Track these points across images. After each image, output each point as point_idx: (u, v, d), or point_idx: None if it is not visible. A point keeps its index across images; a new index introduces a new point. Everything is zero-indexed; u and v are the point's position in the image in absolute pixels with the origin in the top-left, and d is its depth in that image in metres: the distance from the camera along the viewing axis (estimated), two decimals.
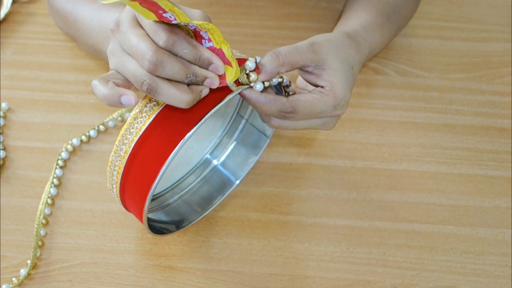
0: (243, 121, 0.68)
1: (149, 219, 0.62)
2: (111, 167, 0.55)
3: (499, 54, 0.81)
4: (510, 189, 0.70)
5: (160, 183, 0.52)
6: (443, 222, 0.68)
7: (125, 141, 0.52)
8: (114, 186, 0.56)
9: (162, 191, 0.67)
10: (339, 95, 0.55)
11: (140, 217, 0.56)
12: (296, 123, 0.56)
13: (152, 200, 0.64)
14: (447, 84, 0.78)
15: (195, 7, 0.84)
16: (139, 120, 0.52)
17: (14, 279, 0.62)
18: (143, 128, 0.51)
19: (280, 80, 0.54)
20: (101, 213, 0.67)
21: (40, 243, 0.64)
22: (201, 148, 0.69)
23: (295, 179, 0.70)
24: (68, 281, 0.63)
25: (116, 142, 0.53)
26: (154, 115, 0.51)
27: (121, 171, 0.54)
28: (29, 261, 0.63)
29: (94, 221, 0.67)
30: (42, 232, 0.65)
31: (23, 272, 0.62)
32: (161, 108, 0.51)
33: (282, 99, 0.53)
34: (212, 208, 0.67)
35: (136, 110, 0.52)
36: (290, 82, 0.56)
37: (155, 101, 0.52)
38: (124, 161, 0.53)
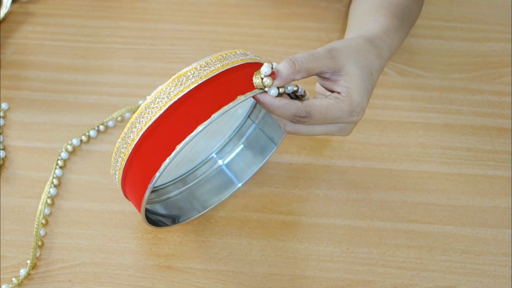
0: (253, 125, 0.69)
1: (146, 210, 0.63)
2: (116, 153, 0.55)
3: (499, 54, 0.81)
4: (510, 189, 0.70)
5: (162, 176, 0.52)
6: (443, 222, 0.68)
7: (134, 129, 0.53)
8: (117, 172, 0.56)
9: (164, 184, 0.67)
10: (355, 101, 0.54)
11: (138, 206, 0.56)
12: (311, 129, 0.56)
13: (153, 191, 0.65)
14: (447, 84, 0.78)
15: (195, 7, 0.84)
16: (150, 110, 0.52)
17: (14, 279, 0.62)
18: (153, 118, 0.52)
19: (295, 88, 0.54)
20: (101, 213, 0.67)
21: (40, 243, 0.64)
22: (208, 146, 0.69)
23: (295, 179, 0.70)
24: (68, 281, 0.63)
25: (125, 130, 0.54)
26: (165, 107, 0.52)
27: (126, 158, 0.54)
28: (29, 261, 0.63)
29: (94, 221, 0.67)
30: (42, 232, 0.65)
31: (22, 272, 0.62)
32: (173, 101, 0.51)
33: (296, 103, 0.53)
34: (211, 207, 0.67)
35: (148, 100, 0.52)
36: (305, 92, 0.56)
37: (168, 93, 0.52)
38: (130, 148, 0.53)
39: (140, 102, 0.75)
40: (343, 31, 0.82)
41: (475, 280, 0.64)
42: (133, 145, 0.53)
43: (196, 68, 0.52)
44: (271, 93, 0.52)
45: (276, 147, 0.68)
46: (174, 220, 0.65)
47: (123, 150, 0.54)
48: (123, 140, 0.54)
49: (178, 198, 0.67)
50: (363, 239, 0.66)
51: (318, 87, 0.60)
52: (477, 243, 0.66)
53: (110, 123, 0.73)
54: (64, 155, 0.70)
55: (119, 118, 0.74)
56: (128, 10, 0.84)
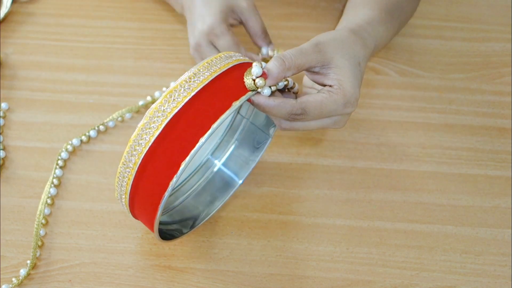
0: (244, 120, 0.68)
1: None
2: (120, 178, 0.54)
3: (499, 54, 0.81)
4: (510, 189, 0.70)
5: None
6: (443, 222, 0.68)
7: (134, 152, 0.52)
8: (123, 196, 0.56)
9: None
10: (348, 92, 0.54)
11: (150, 226, 0.56)
12: (307, 124, 0.56)
13: None
14: (447, 84, 0.78)
15: None
16: (147, 131, 0.51)
17: (14, 279, 0.62)
18: (152, 139, 0.51)
19: (285, 83, 0.54)
20: (101, 213, 0.67)
21: (39, 243, 0.64)
22: (202, 149, 0.69)
23: (295, 179, 0.70)
24: (68, 281, 0.63)
25: (125, 154, 0.53)
26: (162, 126, 0.51)
27: (130, 182, 0.54)
28: (28, 261, 0.63)
29: (94, 221, 0.67)
30: (42, 232, 0.65)
31: (22, 272, 0.62)
32: (169, 118, 0.51)
33: (291, 101, 0.53)
34: (217, 208, 0.67)
35: (144, 121, 0.52)
36: (294, 83, 0.56)
37: (162, 111, 0.51)
38: (133, 172, 0.53)
39: (140, 102, 0.75)
40: None
41: (475, 280, 0.64)
42: (136, 169, 0.52)
43: (185, 81, 0.52)
44: (264, 93, 0.52)
45: (270, 138, 0.67)
46: (185, 226, 0.65)
47: (126, 175, 0.54)
48: (124, 164, 0.53)
49: (183, 206, 0.67)
50: (363, 239, 0.66)
51: (306, 81, 0.60)
52: (477, 243, 0.66)
53: (110, 123, 0.73)
54: (64, 155, 0.70)
55: (119, 118, 0.74)
56: (128, 10, 0.84)
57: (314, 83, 0.57)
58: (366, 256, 0.65)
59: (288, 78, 0.55)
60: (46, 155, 0.71)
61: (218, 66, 0.53)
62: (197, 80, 0.52)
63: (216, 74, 0.52)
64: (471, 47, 0.82)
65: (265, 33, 0.73)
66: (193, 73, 0.52)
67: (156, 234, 0.56)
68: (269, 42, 0.73)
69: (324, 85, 0.56)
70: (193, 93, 0.51)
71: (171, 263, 0.64)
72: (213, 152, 0.69)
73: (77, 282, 0.63)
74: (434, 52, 0.81)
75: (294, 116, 0.54)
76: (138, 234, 0.66)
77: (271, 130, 0.67)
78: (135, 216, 0.58)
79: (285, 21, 0.84)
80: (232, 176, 0.69)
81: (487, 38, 0.83)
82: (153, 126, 0.51)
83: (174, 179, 0.50)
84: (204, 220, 0.66)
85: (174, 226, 0.65)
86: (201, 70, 0.53)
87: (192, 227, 0.65)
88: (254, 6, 0.72)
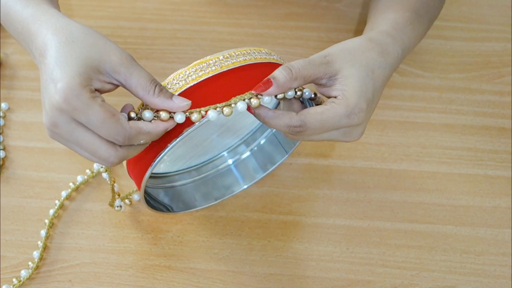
0: (268, 130, 0.68)
1: (149, 195, 0.63)
2: None
3: (499, 54, 0.81)
4: (510, 189, 0.70)
5: (170, 163, 0.52)
6: (443, 222, 0.68)
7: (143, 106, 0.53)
8: None
9: (171, 172, 0.67)
10: (352, 103, 0.52)
11: (138, 186, 0.57)
12: (313, 137, 0.54)
13: (159, 178, 0.65)
14: (447, 84, 0.78)
15: (195, 7, 0.84)
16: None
17: (14, 279, 0.62)
18: None
19: (299, 93, 0.54)
20: (101, 213, 0.67)
21: (41, 244, 0.64)
22: (221, 143, 0.69)
23: (295, 179, 0.70)
24: (68, 281, 0.63)
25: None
26: (181, 90, 0.51)
27: None
28: (30, 263, 0.63)
29: (94, 221, 0.67)
30: (42, 233, 0.65)
31: (24, 273, 0.62)
32: (189, 85, 0.51)
33: (290, 113, 0.52)
34: (211, 203, 0.67)
35: (166, 81, 0.53)
36: (315, 94, 0.55)
37: (186, 77, 0.52)
38: None
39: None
40: (343, 31, 0.82)
41: (475, 280, 0.64)
42: None
43: (218, 58, 0.52)
44: (264, 100, 0.51)
45: (287, 155, 0.68)
46: (167, 209, 0.65)
47: None
48: None
49: (182, 189, 0.67)
50: (363, 239, 0.66)
51: None
52: (477, 243, 0.66)
53: None
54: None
55: None
56: (128, 10, 0.84)
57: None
58: (366, 256, 0.65)
59: (305, 88, 0.54)
60: (46, 155, 0.71)
61: (254, 56, 0.53)
62: (229, 60, 0.52)
63: (248, 62, 0.53)
64: (471, 47, 0.82)
65: (156, 83, 0.51)
66: (228, 54, 0.53)
67: (141, 195, 0.57)
68: (169, 96, 0.50)
69: (330, 97, 0.54)
70: (221, 70, 0.52)
71: (171, 263, 0.64)
72: (230, 150, 0.69)
73: (77, 282, 0.63)
74: (434, 52, 0.81)
75: (293, 129, 0.52)
76: (138, 234, 0.66)
77: (290, 148, 0.68)
78: (129, 172, 0.58)
79: (285, 21, 0.84)
80: (238, 179, 0.69)
81: (487, 38, 0.83)
82: (172, 88, 0.52)
83: (173, 142, 0.50)
84: (193, 210, 0.66)
85: (163, 206, 0.65)
86: (237, 54, 0.53)
87: (177, 211, 0.65)
88: (131, 58, 0.52)
